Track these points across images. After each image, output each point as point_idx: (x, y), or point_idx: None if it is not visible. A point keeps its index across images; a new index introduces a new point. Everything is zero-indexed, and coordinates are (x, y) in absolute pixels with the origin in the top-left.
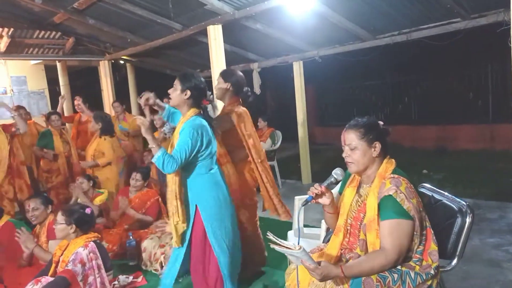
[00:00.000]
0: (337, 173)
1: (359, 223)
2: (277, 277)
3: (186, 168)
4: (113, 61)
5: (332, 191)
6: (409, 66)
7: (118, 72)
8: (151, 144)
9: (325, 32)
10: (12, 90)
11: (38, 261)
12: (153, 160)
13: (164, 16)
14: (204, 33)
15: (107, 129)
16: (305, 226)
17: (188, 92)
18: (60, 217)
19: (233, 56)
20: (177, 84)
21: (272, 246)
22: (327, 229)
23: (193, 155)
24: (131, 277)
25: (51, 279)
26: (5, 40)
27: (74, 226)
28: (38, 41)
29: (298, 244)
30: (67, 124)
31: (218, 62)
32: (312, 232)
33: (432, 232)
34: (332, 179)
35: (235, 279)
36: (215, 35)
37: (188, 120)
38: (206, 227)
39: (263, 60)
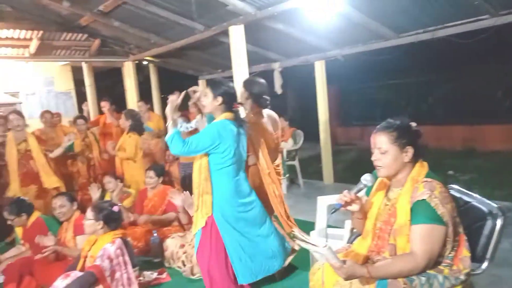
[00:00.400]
0: (366, 179)
1: (389, 228)
2: (301, 277)
3: (211, 172)
4: (136, 62)
5: (360, 194)
6: (434, 64)
7: (141, 73)
8: (168, 122)
9: (347, 31)
10: (41, 91)
11: (66, 257)
12: (166, 138)
13: (186, 17)
14: (226, 33)
15: (136, 126)
16: (327, 226)
17: (220, 99)
18: (89, 213)
19: (255, 56)
20: (208, 91)
21: (297, 242)
22: (351, 230)
23: (206, 150)
24: (155, 273)
25: (80, 273)
26: (35, 43)
27: (102, 222)
28: (65, 43)
29: (323, 243)
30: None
31: (239, 63)
32: (335, 232)
33: (465, 238)
34: (362, 186)
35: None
36: (236, 35)
37: (216, 120)
38: (220, 231)
39: (285, 59)
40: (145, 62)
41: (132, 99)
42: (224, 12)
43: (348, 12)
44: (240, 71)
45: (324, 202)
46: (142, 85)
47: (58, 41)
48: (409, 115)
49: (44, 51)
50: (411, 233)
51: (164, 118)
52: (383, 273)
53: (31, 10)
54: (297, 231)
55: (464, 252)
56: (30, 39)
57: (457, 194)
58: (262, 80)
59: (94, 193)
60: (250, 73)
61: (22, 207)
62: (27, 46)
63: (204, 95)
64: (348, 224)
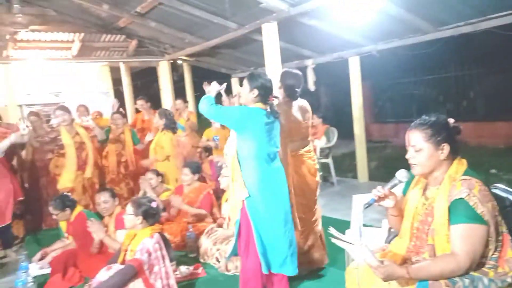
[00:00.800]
0: (401, 175)
1: (427, 227)
2: (337, 276)
3: (242, 160)
4: (171, 61)
5: (396, 191)
6: (475, 58)
7: (175, 72)
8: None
9: (383, 25)
10: (81, 91)
11: (108, 249)
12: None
13: (220, 16)
14: (259, 31)
15: (170, 125)
16: (364, 225)
17: (256, 91)
18: (129, 208)
19: (287, 53)
20: (245, 83)
21: (333, 240)
22: (389, 229)
23: (230, 123)
24: (191, 268)
25: (121, 266)
26: (77, 45)
27: (141, 217)
28: (104, 44)
29: (359, 241)
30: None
31: (272, 60)
32: (372, 232)
33: (510, 237)
34: (396, 181)
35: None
36: (269, 33)
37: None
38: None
39: (318, 56)
40: (179, 61)
41: (167, 98)
42: (257, 10)
43: (384, 6)
44: (273, 68)
45: (359, 200)
46: (177, 84)
47: (98, 42)
48: (448, 111)
49: (85, 53)
50: (451, 233)
51: (199, 116)
52: (423, 274)
53: (73, 13)
54: (333, 230)
55: (509, 253)
56: (72, 41)
57: (504, 194)
58: (298, 73)
59: (144, 187)
60: None
61: (66, 202)
62: (69, 48)
63: (242, 87)
64: (385, 223)
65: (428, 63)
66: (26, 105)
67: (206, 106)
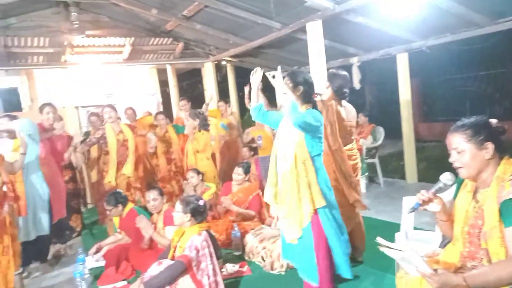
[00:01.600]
0: (446, 178)
1: (477, 231)
2: (387, 280)
3: (317, 164)
4: (216, 62)
5: (445, 196)
6: None
7: (219, 72)
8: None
9: (434, 20)
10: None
11: (157, 245)
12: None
13: (264, 17)
14: (304, 30)
15: (204, 124)
16: (414, 228)
17: (301, 88)
18: (178, 206)
19: (332, 51)
20: (288, 82)
21: (382, 249)
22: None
23: (315, 130)
24: (237, 266)
25: (171, 262)
26: (128, 48)
27: (189, 215)
28: (153, 47)
29: (410, 248)
30: None
31: (317, 59)
32: (424, 236)
33: None
34: (441, 185)
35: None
36: (314, 31)
37: (306, 111)
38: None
39: (364, 53)
40: (223, 62)
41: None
42: (301, 9)
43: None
44: (317, 67)
45: (410, 202)
46: (220, 85)
47: (147, 46)
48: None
49: (134, 56)
50: (506, 236)
51: (242, 115)
52: (480, 281)
53: (125, 18)
54: (381, 239)
55: None
56: (124, 45)
57: None
58: (345, 73)
59: (187, 190)
60: (327, 69)
61: (118, 198)
62: (120, 52)
63: (284, 86)
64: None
65: (483, 58)
66: (82, 106)
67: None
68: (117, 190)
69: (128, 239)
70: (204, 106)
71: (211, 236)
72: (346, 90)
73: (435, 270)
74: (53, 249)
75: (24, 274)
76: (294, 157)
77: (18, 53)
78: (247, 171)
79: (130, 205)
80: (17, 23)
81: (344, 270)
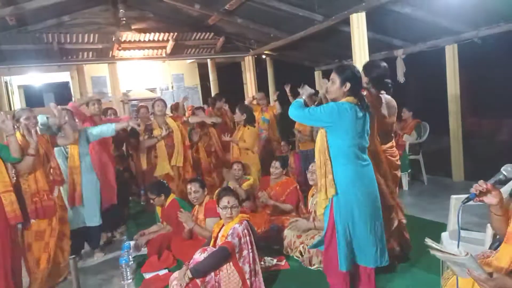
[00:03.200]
0: (507, 169)
1: None
2: (429, 280)
3: (331, 154)
4: (255, 56)
5: (502, 190)
6: None
7: (258, 66)
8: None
9: (487, 8)
10: (173, 86)
11: (198, 236)
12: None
13: (306, 9)
14: (347, 22)
15: (250, 119)
16: (462, 229)
17: (348, 84)
18: (231, 199)
19: (376, 44)
20: (335, 77)
21: (432, 252)
22: (494, 235)
23: (322, 123)
24: (275, 260)
25: (215, 249)
26: (171, 43)
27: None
28: (195, 42)
29: (463, 251)
30: None
31: (360, 51)
32: (471, 236)
33: None
34: (501, 176)
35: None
36: (358, 23)
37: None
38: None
39: (409, 45)
40: (263, 56)
41: (251, 92)
42: (345, 1)
43: None
44: (361, 60)
45: (458, 201)
46: (259, 78)
47: (189, 41)
48: None
49: (177, 51)
50: None
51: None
52: None
53: (168, 14)
54: (430, 241)
55: None
56: (167, 40)
57: None
58: (382, 63)
59: (228, 178)
60: None
61: (161, 188)
62: (164, 47)
63: (330, 82)
64: (490, 228)
65: None
66: (128, 100)
67: (296, 110)
68: (161, 180)
69: (170, 228)
70: (248, 99)
71: (251, 226)
72: (387, 80)
73: (490, 274)
74: (104, 235)
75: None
76: (317, 147)
77: (69, 49)
78: (284, 165)
79: (172, 196)
80: (70, 21)
81: (369, 260)
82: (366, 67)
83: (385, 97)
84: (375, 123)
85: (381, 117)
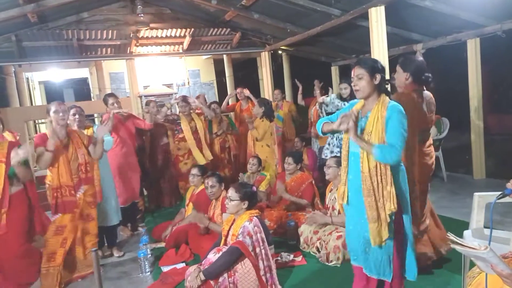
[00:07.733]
0: None
1: None
2: (451, 279)
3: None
4: (271, 51)
5: None
6: None
7: (275, 62)
8: (360, 144)
9: (510, 0)
10: (189, 82)
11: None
12: (375, 158)
13: (323, 4)
14: (365, 16)
15: (268, 113)
16: (484, 227)
17: (378, 77)
18: (234, 195)
19: (394, 38)
20: (361, 73)
21: (452, 246)
22: None
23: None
24: (292, 256)
25: (227, 248)
26: (187, 39)
27: (247, 202)
28: (211, 38)
29: (484, 245)
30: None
31: (379, 46)
32: (496, 234)
33: None
34: None
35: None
36: (377, 17)
37: (390, 106)
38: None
39: (429, 40)
40: (279, 52)
41: (267, 88)
42: None
43: None
44: (379, 55)
45: (482, 199)
46: (275, 74)
47: (206, 37)
48: None
49: (194, 47)
50: None
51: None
52: None
53: (185, 10)
54: (451, 235)
55: None
56: (184, 36)
57: None
58: (419, 57)
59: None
60: (389, 57)
61: (205, 172)
62: (181, 43)
63: (356, 79)
64: None
65: None
66: (145, 96)
67: (391, 156)
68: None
69: (191, 219)
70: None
71: (261, 222)
72: (427, 74)
73: None
74: (123, 231)
75: (99, 253)
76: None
77: (88, 45)
78: (298, 160)
79: (203, 186)
80: (89, 17)
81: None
82: (403, 62)
83: (425, 93)
84: (415, 120)
85: (422, 115)
